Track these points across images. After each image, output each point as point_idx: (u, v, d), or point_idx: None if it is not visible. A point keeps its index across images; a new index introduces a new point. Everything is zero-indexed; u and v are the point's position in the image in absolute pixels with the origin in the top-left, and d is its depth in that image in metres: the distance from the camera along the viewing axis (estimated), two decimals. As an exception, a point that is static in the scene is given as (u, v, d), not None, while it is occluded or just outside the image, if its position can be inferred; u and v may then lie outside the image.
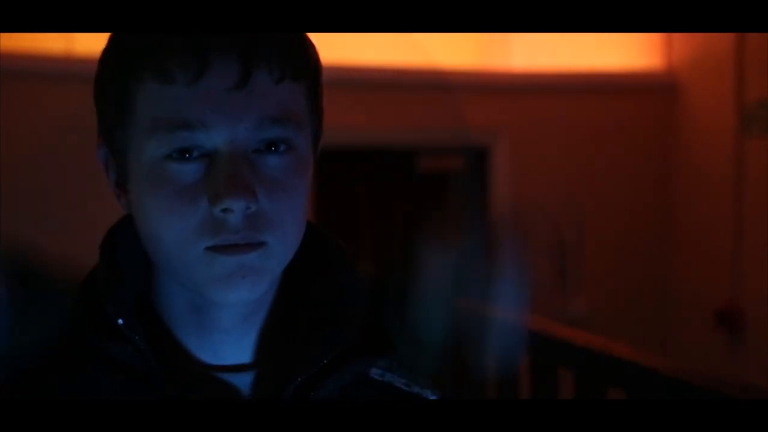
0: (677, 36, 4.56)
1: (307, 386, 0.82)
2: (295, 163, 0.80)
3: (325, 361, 0.82)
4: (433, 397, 0.95)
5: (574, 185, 4.59)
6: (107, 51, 0.80)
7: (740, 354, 4.19)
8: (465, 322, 2.20)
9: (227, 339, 0.83)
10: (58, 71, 3.84)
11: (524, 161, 4.53)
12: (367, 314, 0.87)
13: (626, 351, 1.49)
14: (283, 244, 0.80)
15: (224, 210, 0.75)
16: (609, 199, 4.64)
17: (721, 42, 4.23)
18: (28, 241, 1.04)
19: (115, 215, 0.91)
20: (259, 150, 0.78)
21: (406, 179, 4.48)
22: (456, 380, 2.28)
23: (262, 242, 0.78)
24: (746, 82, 4.19)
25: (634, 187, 4.66)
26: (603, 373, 1.52)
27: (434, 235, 4.53)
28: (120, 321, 0.79)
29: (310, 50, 0.85)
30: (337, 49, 4.30)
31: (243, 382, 0.83)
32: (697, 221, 4.50)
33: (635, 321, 4.64)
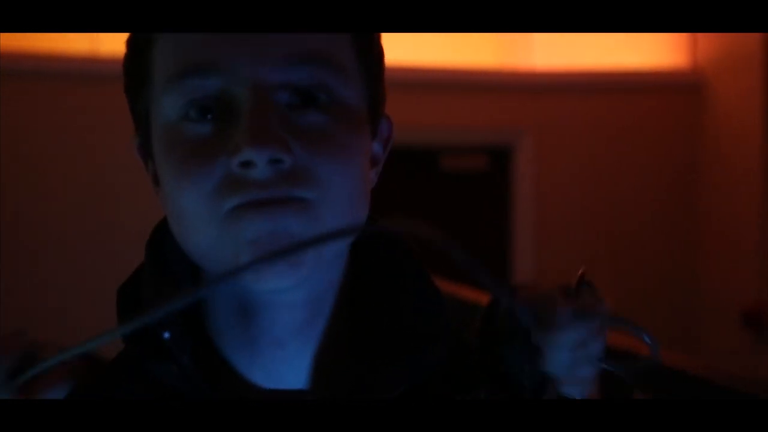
0: (702, 34, 4.53)
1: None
2: (344, 118, 0.65)
3: (402, 389, 0.67)
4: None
5: (598, 184, 4.57)
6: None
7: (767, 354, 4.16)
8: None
9: (282, 356, 0.68)
10: (84, 72, 3.87)
11: (548, 161, 4.51)
12: (450, 333, 0.72)
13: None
14: (333, 206, 0.63)
15: (244, 164, 0.60)
16: (634, 198, 4.61)
17: (746, 40, 4.19)
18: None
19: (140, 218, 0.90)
20: (293, 105, 0.63)
21: (430, 179, 4.47)
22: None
23: (303, 198, 0.62)
24: (773, 80, 4.16)
25: (659, 186, 4.63)
26: (629, 373, 1.51)
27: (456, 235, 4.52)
28: (166, 335, 0.66)
29: None
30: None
31: None
32: (723, 221, 4.46)
33: (661, 321, 4.61)
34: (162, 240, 0.70)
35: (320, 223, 0.62)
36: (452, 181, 4.49)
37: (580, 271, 0.75)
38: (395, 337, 0.69)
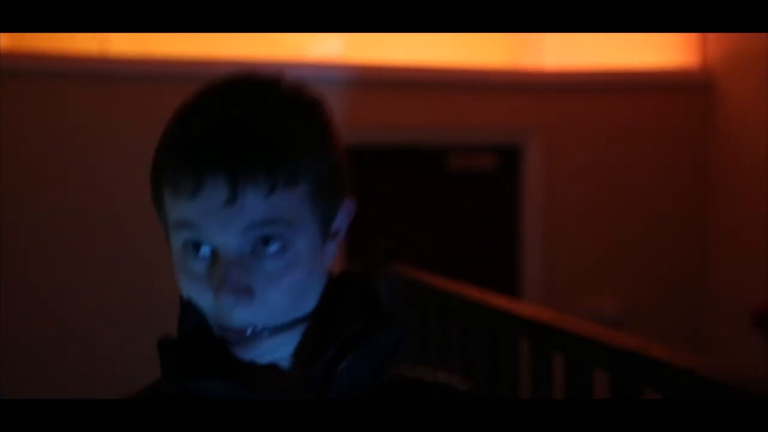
0: (712, 33, 4.52)
1: (336, 359, 0.97)
2: (294, 260, 0.93)
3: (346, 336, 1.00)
4: (464, 388, 1.07)
5: (607, 184, 4.57)
6: (152, 161, 0.96)
7: (777, 355, 4.15)
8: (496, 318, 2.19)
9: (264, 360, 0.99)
10: (94, 72, 3.89)
11: (557, 160, 4.51)
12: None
13: (663, 352, 1.48)
14: (282, 314, 0.96)
15: (223, 320, 0.94)
16: (643, 198, 4.60)
17: (756, 39, 4.18)
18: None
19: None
20: (255, 251, 0.91)
21: (439, 178, 4.48)
22: (491, 377, 2.28)
23: (255, 325, 0.94)
24: (783, 79, 4.15)
25: (668, 186, 4.62)
26: (639, 374, 1.51)
27: (465, 234, 4.52)
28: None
29: (312, 154, 0.93)
30: (370, 49, 4.31)
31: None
32: (733, 221, 4.45)
33: (670, 321, 4.61)
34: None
35: (273, 319, 0.95)
36: (461, 181, 4.49)
37: None
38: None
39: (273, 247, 0.92)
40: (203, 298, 0.94)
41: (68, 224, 3.91)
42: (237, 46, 4.12)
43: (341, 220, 1.05)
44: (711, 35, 4.55)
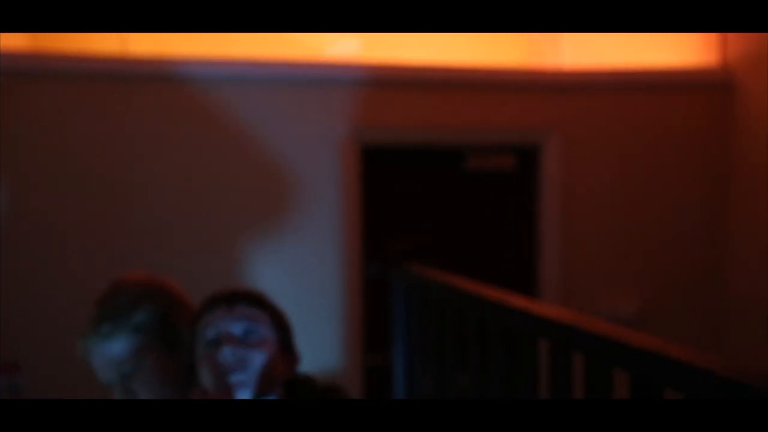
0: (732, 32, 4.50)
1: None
2: (264, 347, 1.57)
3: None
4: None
5: (625, 184, 4.55)
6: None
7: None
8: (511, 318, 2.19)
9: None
10: (114, 72, 3.91)
11: (575, 160, 4.50)
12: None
13: (683, 352, 1.48)
14: (257, 373, 1.54)
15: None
16: (662, 198, 4.58)
17: (777, 38, 4.16)
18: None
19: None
20: (241, 336, 1.57)
21: (457, 178, 4.47)
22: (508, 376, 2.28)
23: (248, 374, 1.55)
24: (804, 78, 4.12)
25: (687, 185, 4.60)
26: (659, 374, 1.51)
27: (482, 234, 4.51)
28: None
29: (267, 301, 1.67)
30: (387, 49, 4.31)
31: None
32: (752, 220, 4.43)
33: (688, 321, 4.58)
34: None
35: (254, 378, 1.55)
36: (479, 181, 4.49)
37: None
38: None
39: (254, 336, 1.61)
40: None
41: (88, 222, 3.93)
42: (254, 46, 4.13)
43: (294, 359, 1.73)
44: (731, 34, 4.53)
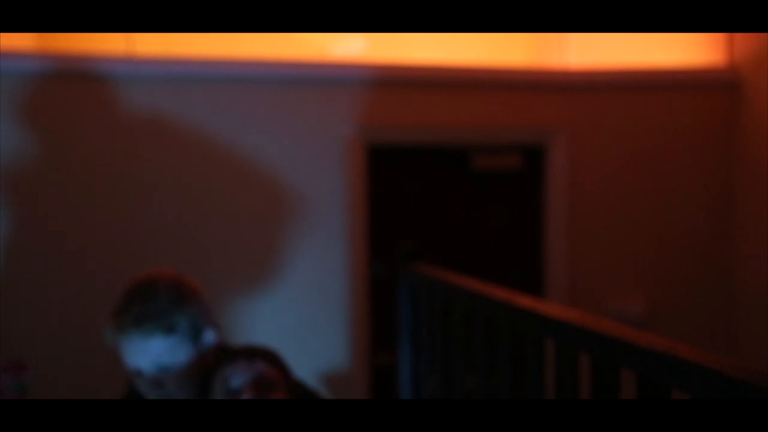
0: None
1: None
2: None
3: None
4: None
5: (632, 184, 4.54)
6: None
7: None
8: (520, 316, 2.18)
9: None
10: (120, 72, 3.91)
11: (582, 160, 4.49)
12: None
13: (691, 352, 1.47)
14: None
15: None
16: (669, 197, 4.57)
17: (784, 37, 4.15)
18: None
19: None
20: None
21: (463, 178, 4.47)
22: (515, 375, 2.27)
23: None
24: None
25: (694, 184, 4.59)
26: (666, 374, 1.50)
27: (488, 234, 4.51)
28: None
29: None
30: (393, 48, 4.31)
31: None
32: (760, 219, 4.41)
33: (697, 320, 4.57)
34: None
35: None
36: (485, 181, 4.48)
37: None
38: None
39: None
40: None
41: (96, 223, 3.94)
42: (260, 46, 4.13)
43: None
44: (738, 34, 4.52)
